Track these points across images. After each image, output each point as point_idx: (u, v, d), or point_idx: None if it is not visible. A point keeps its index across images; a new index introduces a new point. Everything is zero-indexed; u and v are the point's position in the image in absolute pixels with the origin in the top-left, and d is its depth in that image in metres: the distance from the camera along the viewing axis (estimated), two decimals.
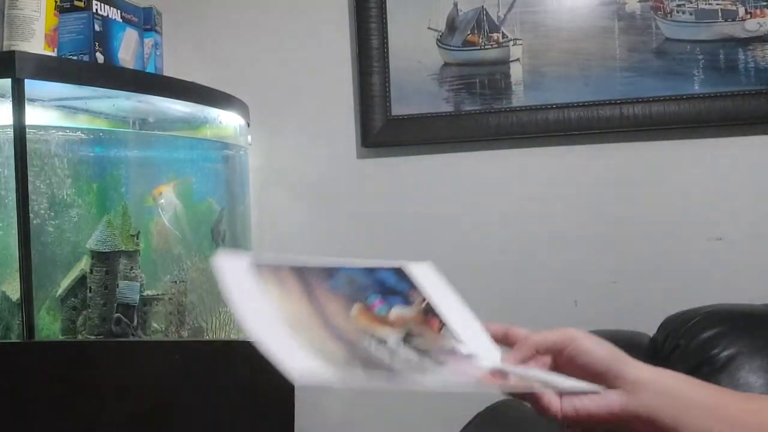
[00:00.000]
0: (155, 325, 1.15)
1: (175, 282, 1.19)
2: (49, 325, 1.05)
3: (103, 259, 1.05)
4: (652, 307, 1.20)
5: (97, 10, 1.15)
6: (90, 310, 1.05)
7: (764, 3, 1.29)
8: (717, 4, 1.30)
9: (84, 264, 1.07)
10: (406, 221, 1.44)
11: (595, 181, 1.37)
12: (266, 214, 1.51)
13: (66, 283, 1.06)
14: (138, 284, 1.09)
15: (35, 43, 1.02)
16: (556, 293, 1.35)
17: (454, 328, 0.51)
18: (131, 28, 1.25)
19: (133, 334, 1.06)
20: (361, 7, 1.43)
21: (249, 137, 1.46)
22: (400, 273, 0.55)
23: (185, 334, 1.17)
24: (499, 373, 0.48)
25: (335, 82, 1.48)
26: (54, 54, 1.06)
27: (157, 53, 1.37)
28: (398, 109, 1.42)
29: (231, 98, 1.32)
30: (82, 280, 1.06)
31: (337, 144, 1.48)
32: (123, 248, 1.07)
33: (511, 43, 1.39)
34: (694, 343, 1.05)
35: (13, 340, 0.97)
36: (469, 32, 1.41)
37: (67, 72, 1.03)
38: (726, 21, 1.30)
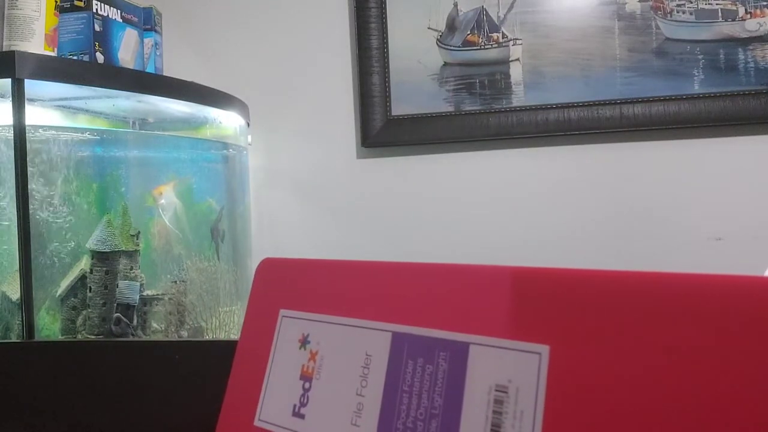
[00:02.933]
0: (155, 325, 1.14)
1: (175, 282, 1.19)
2: (49, 325, 1.05)
3: (103, 259, 1.05)
4: None
5: (97, 10, 1.15)
6: (90, 310, 1.05)
7: (764, 3, 1.29)
8: (717, 4, 1.30)
9: (84, 264, 1.07)
10: (406, 221, 1.44)
11: (595, 181, 1.37)
12: (266, 214, 1.51)
13: (66, 283, 1.06)
14: (138, 284, 1.09)
15: (35, 43, 1.02)
16: None
17: None
18: (131, 28, 1.25)
19: (133, 334, 1.06)
20: (361, 7, 1.43)
21: (249, 137, 1.46)
22: None
23: (185, 334, 1.17)
24: None
25: (335, 82, 1.48)
26: (54, 54, 1.06)
27: (157, 53, 1.37)
28: (398, 109, 1.42)
29: (231, 98, 1.32)
30: (82, 280, 1.06)
31: (337, 144, 1.48)
32: (123, 248, 1.07)
33: (511, 43, 1.39)
34: None
35: (13, 340, 0.97)
36: (469, 32, 1.41)
37: (67, 72, 1.03)
38: (726, 21, 1.30)
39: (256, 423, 0.33)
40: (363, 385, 0.30)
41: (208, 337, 1.21)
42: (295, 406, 0.32)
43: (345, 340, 0.31)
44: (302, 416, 0.32)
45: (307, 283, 0.35)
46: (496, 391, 0.25)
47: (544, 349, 0.25)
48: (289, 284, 0.35)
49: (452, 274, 0.29)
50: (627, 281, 0.25)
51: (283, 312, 0.35)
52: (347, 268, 0.33)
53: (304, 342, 0.33)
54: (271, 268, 0.37)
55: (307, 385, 0.32)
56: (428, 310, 0.29)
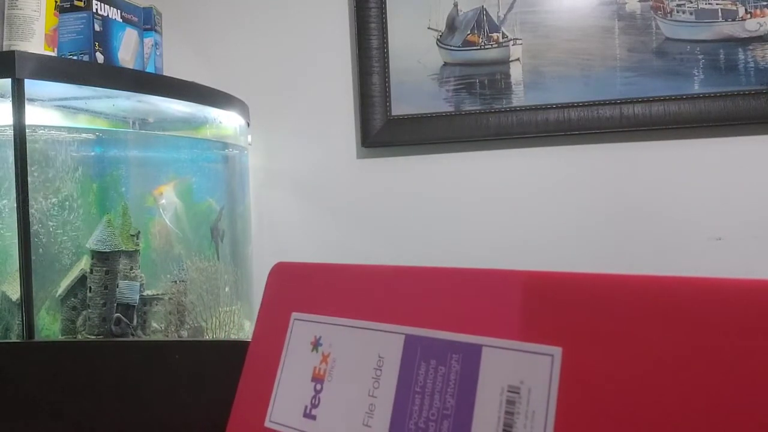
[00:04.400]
0: (155, 325, 1.14)
1: (175, 282, 1.19)
2: (49, 325, 1.05)
3: (103, 259, 1.05)
4: None
5: (97, 10, 1.15)
6: (90, 310, 1.05)
7: (764, 3, 1.29)
8: (717, 4, 1.30)
9: (84, 264, 1.07)
10: (406, 221, 1.44)
11: (595, 181, 1.37)
12: (266, 214, 1.51)
13: (66, 283, 1.06)
14: (138, 284, 1.09)
15: (35, 43, 1.02)
16: None
17: None
18: (131, 28, 1.25)
19: (133, 334, 1.06)
20: (361, 7, 1.43)
21: (249, 137, 1.46)
22: None
23: (185, 334, 1.17)
24: None
25: (335, 82, 1.48)
26: (54, 54, 1.06)
27: (157, 53, 1.37)
28: (398, 109, 1.42)
29: (231, 98, 1.32)
30: (82, 280, 1.06)
31: (337, 144, 1.48)
32: (123, 248, 1.07)
33: (511, 43, 1.39)
34: None
35: (13, 340, 0.97)
36: (469, 32, 1.41)
37: (67, 72, 1.03)
38: (726, 21, 1.30)
39: (267, 424, 0.34)
40: (375, 386, 0.30)
41: (208, 337, 1.21)
42: (306, 407, 0.32)
43: (357, 343, 0.32)
44: (313, 417, 0.32)
45: (319, 286, 0.35)
46: (509, 392, 0.25)
47: (557, 351, 0.25)
48: (301, 288, 0.36)
49: (464, 277, 0.29)
50: (639, 285, 0.25)
51: (295, 315, 0.35)
52: (359, 272, 0.33)
53: (316, 344, 0.33)
54: (283, 272, 0.37)
55: (318, 386, 0.32)
56: (441, 313, 0.29)
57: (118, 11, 1.21)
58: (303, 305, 0.35)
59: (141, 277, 1.11)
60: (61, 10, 1.09)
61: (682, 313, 0.24)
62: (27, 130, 0.95)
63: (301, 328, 0.34)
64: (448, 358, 0.28)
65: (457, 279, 0.29)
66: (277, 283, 0.37)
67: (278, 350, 0.35)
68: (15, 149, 0.94)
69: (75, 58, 1.13)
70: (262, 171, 1.51)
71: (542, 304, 0.26)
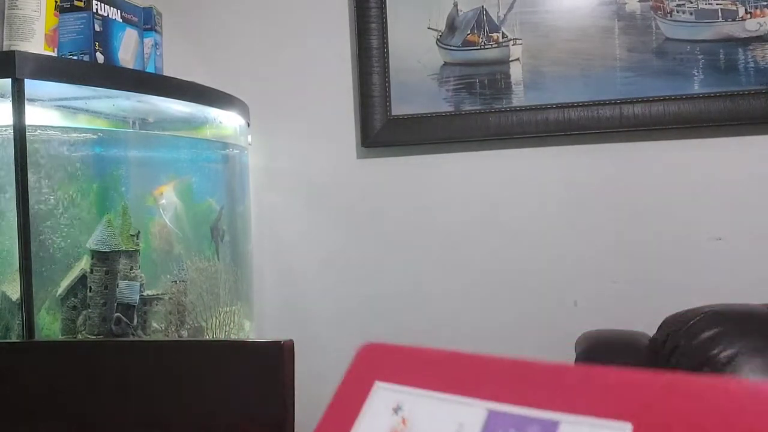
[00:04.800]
0: (155, 325, 1.15)
1: (175, 282, 1.19)
2: (49, 325, 1.05)
3: (103, 259, 1.05)
4: (652, 307, 1.20)
5: (97, 10, 1.15)
6: (90, 310, 1.05)
7: (764, 3, 1.29)
8: (717, 4, 1.30)
9: (84, 264, 1.07)
10: (406, 221, 1.44)
11: (595, 181, 1.37)
12: (266, 214, 1.51)
13: (66, 283, 1.06)
14: (138, 284, 1.09)
15: (35, 43, 1.02)
16: (556, 293, 1.35)
17: None
18: (131, 28, 1.25)
19: (133, 334, 1.06)
20: (361, 7, 1.43)
21: (249, 137, 1.46)
22: None
23: (185, 334, 1.17)
24: None
25: (335, 82, 1.48)
26: (54, 54, 1.06)
27: (157, 53, 1.37)
28: (398, 109, 1.42)
29: (231, 98, 1.32)
30: (82, 280, 1.06)
31: (337, 144, 1.48)
32: (123, 248, 1.07)
33: (511, 42, 1.39)
34: (694, 343, 1.05)
35: (13, 340, 0.97)
36: (469, 32, 1.41)
37: (67, 72, 1.03)
38: (726, 21, 1.30)
39: None
40: None
41: (208, 337, 1.21)
42: None
43: (439, 411, 0.34)
44: None
45: (405, 362, 0.38)
46: None
47: (628, 427, 0.28)
48: (387, 362, 0.38)
49: (546, 369, 0.33)
50: (712, 387, 0.27)
51: (378, 383, 0.38)
52: (446, 354, 0.37)
53: (396, 409, 0.36)
54: (371, 352, 0.40)
55: None
56: (523, 392, 0.32)
57: (118, 11, 1.21)
58: (387, 376, 0.38)
59: (141, 277, 1.11)
60: (61, 10, 1.09)
61: (748, 419, 0.25)
62: (27, 130, 0.95)
63: (383, 394, 0.37)
64: (527, 430, 0.31)
65: (538, 369, 0.33)
66: (363, 359, 0.40)
67: (356, 413, 0.37)
68: (15, 149, 0.94)
69: (75, 58, 1.13)
70: (262, 171, 1.51)
71: (617, 394, 0.30)
